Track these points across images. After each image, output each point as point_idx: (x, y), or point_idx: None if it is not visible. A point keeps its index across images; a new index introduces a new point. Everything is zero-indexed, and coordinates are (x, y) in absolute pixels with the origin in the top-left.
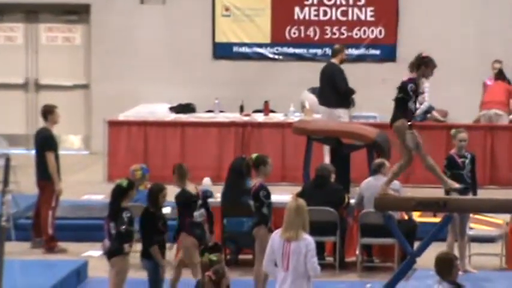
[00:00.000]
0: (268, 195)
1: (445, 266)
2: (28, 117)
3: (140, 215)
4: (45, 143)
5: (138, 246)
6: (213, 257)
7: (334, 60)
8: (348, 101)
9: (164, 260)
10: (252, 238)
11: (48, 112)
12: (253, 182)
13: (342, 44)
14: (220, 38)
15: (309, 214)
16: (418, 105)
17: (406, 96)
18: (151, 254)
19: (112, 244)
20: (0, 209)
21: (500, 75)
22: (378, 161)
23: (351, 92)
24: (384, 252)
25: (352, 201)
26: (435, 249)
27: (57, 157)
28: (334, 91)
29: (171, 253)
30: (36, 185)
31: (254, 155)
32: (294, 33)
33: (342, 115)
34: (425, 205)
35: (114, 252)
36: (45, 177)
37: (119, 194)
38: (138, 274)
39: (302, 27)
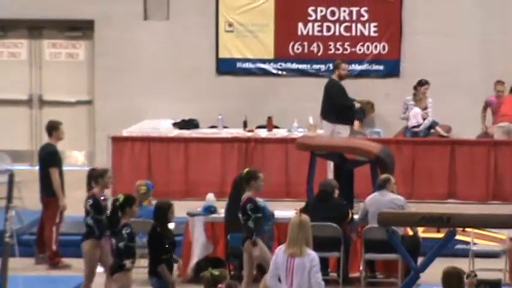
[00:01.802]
0: (255, 209)
1: (453, 281)
2: (32, 133)
3: (148, 233)
4: (50, 159)
5: (143, 262)
6: (216, 271)
7: (334, 76)
8: (348, 116)
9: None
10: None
11: (53, 128)
12: (247, 195)
13: (341, 59)
14: (223, 54)
15: (313, 230)
16: (421, 120)
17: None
18: (158, 272)
19: (114, 260)
20: (3, 225)
21: None
22: (383, 176)
23: (348, 107)
24: (388, 267)
25: (356, 216)
26: (439, 265)
27: (61, 173)
28: (333, 107)
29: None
30: (40, 201)
31: (246, 170)
32: (298, 48)
33: (341, 131)
34: (428, 220)
35: (116, 269)
36: (50, 193)
37: (115, 210)
38: None
39: (305, 43)
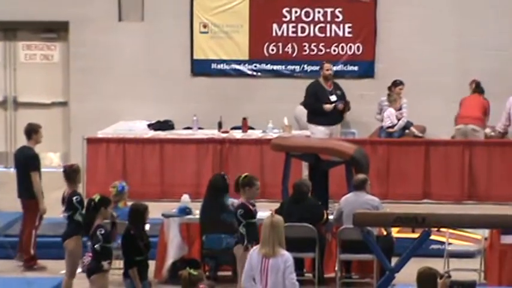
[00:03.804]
0: (245, 214)
1: (428, 281)
2: (7, 135)
3: (122, 235)
4: (30, 162)
5: (118, 263)
6: (194, 271)
7: (320, 77)
8: (318, 118)
9: (147, 280)
10: (231, 255)
11: (33, 131)
12: (239, 201)
13: (326, 60)
14: (198, 55)
15: (288, 230)
16: (396, 120)
17: None
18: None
19: (91, 262)
20: None
21: (477, 89)
22: (361, 177)
23: (314, 109)
24: (363, 268)
25: (331, 217)
26: (414, 265)
27: (40, 176)
28: (306, 108)
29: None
30: (21, 204)
31: (244, 175)
32: (272, 49)
33: (314, 131)
34: (403, 221)
35: (92, 270)
36: (29, 196)
37: (91, 209)
38: None
39: (280, 44)
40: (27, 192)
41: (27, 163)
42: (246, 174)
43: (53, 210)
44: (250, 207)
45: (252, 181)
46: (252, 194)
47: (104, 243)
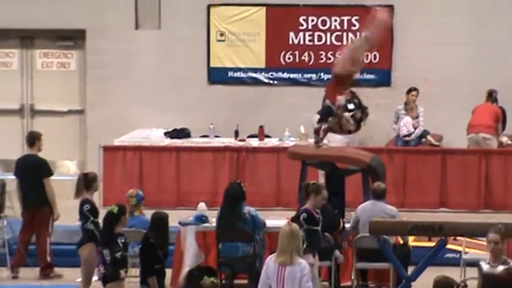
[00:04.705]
0: (308, 219)
1: None
2: (23, 143)
3: (141, 243)
4: (44, 168)
5: (134, 271)
6: (214, 279)
7: None
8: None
9: None
10: (247, 263)
11: (36, 138)
12: (304, 206)
13: None
14: (215, 63)
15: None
16: (412, 129)
17: None
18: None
19: (107, 270)
20: None
21: (489, 97)
22: (382, 186)
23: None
24: (379, 276)
25: (347, 225)
26: (430, 274)
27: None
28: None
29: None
30: (29, 211)
31: (312, 182)
32: (289, 58)
33: (331, 140)
34: (420, 229)
35: (109, 278)
36: (42, 204)
37: (111, 221)
38: None
39: (297, 52)
40: (41, 199)
41: (40, 170)
42: (314, 181)
43: (69, 218)
44: (315, 213)
45: (319, 189)
46: (317, 202)
47: (123, 251)
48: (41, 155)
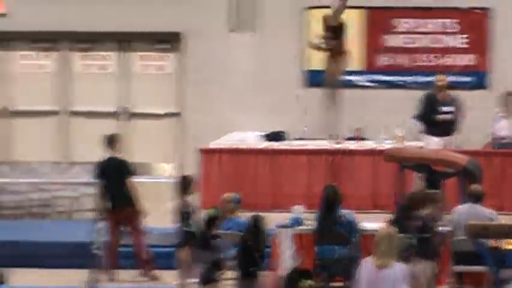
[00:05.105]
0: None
1: None
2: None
3: (237, 245)
4: (129, 169)
5: (230, 274)
6: (312, 282)
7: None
8: (434, 128)
9: None
10: (344, 266)
11: (117, 140)
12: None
13: (439, 71)
14: (311, 66)
15: (401, 241)
16: (509, 132)
17: None
18: (246, 283)
19: (204, 272)
20: (91, 236)
21: None
22: (479, 189)
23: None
24: (475, 279)
25: (443, 228)
26: None
27: None
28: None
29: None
30: (116, 213)
31: (429, 191)
32: (385, 60)
33: (427, 142)
34: None
35: (206, 280)
36: (130, 203)
37: (209, 223)
38: None
39: (393, 55)
40: (128, 200)
41: (125, 170)
42: (433, 190)
43: (165, 220)
44: (429, 222)
45: (437, 199)
46: (435, 211)
47: (220, 253)
48: (139, 157)
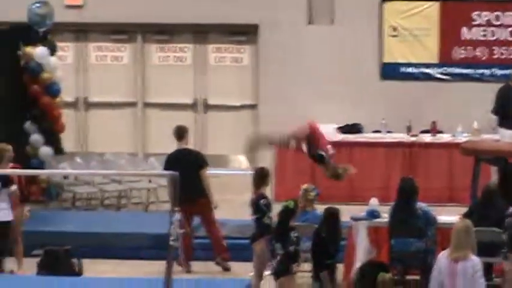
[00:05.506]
0: None
1: None
2: (197, 137)
3: (313, 238)
4: (201, 160)
5: (306, 266)
6: (389, 275)
7: (510, 81)
8: (511, 121)
9: (335, 283)
10: (419, 259)
11: (185, 132)
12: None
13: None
14: (387, 59)
15: (477, 234)
16: None
17: None
18: (322, 276)
19: (279, 264)
20: (169, 228)
21: None
22: None
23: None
24: None
25: None
26: None
27: None
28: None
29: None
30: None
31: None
32: (461, 53)
33: (504, 135)
34: None
35: (281, 272)
36: (202, 195)
37: (287, 215)
38: None
39: (470, 48)
40: (200, 191)
41: (197, 162)
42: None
43: (241, 212)
44: None
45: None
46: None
47: (297, 245)
48: (215, 149)
